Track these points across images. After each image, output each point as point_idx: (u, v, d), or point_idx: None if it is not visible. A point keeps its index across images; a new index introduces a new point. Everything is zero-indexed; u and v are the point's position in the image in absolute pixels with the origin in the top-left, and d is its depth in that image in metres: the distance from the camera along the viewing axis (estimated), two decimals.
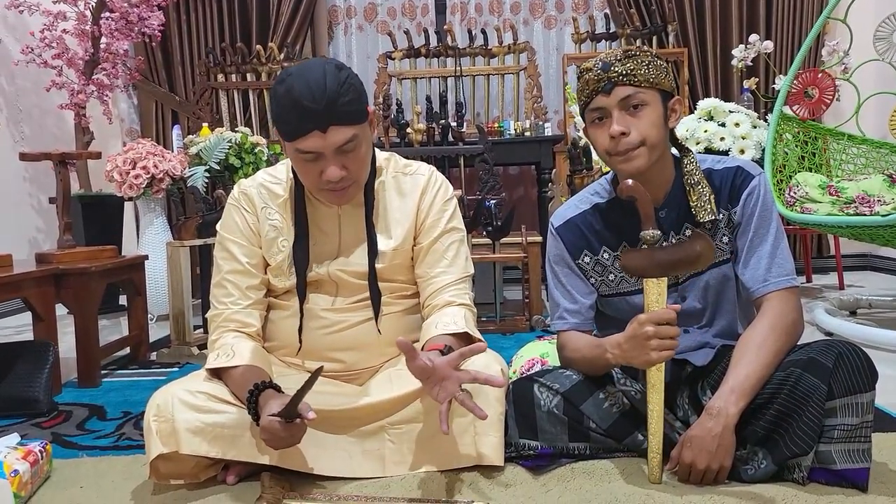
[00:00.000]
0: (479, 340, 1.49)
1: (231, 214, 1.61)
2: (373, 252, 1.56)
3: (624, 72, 1.40)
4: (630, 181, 1.36)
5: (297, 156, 1.43)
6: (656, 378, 1.37)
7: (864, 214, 2.56)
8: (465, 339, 1.50)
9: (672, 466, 1.40)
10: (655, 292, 1.36)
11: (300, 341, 1.58)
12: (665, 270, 1.34)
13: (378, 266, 1.57)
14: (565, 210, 1.63)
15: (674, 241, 1.50)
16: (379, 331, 1.58)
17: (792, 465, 1.33)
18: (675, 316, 1.32)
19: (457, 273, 1.59)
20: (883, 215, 2.46)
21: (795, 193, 2.85)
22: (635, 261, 1.36)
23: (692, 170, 1.48)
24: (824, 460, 1.31)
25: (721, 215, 1.49)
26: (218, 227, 1.64)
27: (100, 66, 4.11)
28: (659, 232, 1.36)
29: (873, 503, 1.27)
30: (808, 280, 4.20)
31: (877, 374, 1.32)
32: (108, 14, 3.98)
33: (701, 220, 1.45)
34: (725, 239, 1.51)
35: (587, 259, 1.58)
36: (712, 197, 1.47)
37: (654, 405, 1.37)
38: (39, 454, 1.51)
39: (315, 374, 1.27)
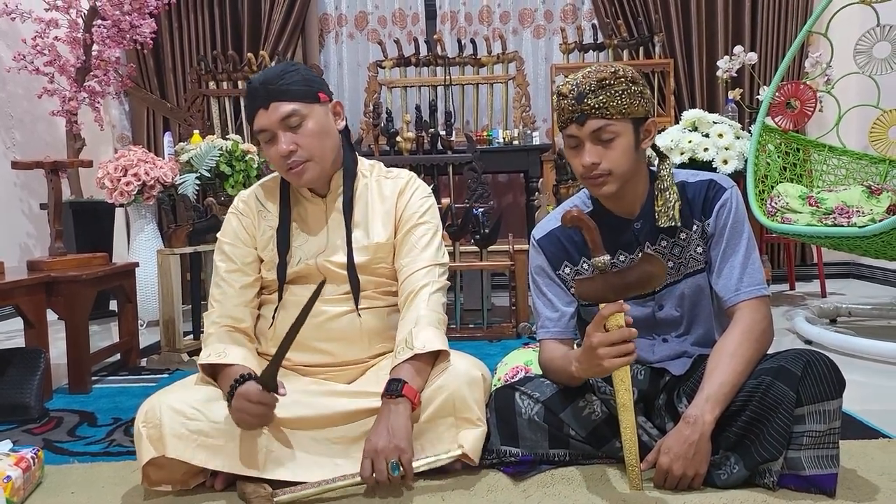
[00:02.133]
0: (442, 350, 1.55)
1: (230, 221, 1.73)
2: (349, 240, 1.64)
3: (596, 105, 1.43)
4: (574, 210, 1.40)
5: (260, 141, 1.59)
6: (625, 398, 1.41)
7: (842, 225, 2.62)
8: (424, 355, 1.53)
9: (646, 468, 1.45)
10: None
11: (273, 318, 1.66)
12: (619, 293, 1.36)
13: (361, 259, 1.65)
14: (546, 223, 1.68)
15: (650, 250, 1.55)
16: (359, 314, 1.64)
17: (763, 471, 1.38)
18: (629, 332, 1.34)
19: (427, 260, 1.66)
20: (860, 226, 2.51)
21: (776, 204, 2.90)
22: (589, 287, 1.39)
23: (665, 175, 1.54)
24: (793, 466, 1.36)
25: (695, 227, 1.55)
26: (218, 235, 1.74)
27: (91, 74, 4.13)
28: (608, 257, 1.39)
29: None
30: (792, 287, 4.26)
31: (844, 382, 1.37)
32: (99, 22, 4.00)
33: (661, 225, 1.51)
34: (699, 250, 1.56)
35: (567, 270, 1.62)
36: (677, 205, 1.52)
37: (627, 423, 1.41)
38: (32, 460, 1.54)
39: (318, 289, 1.39)
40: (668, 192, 1.53)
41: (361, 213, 1.68)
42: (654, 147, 1.58)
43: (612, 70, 1.45)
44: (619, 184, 1.50)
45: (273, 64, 4.43)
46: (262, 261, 1.69)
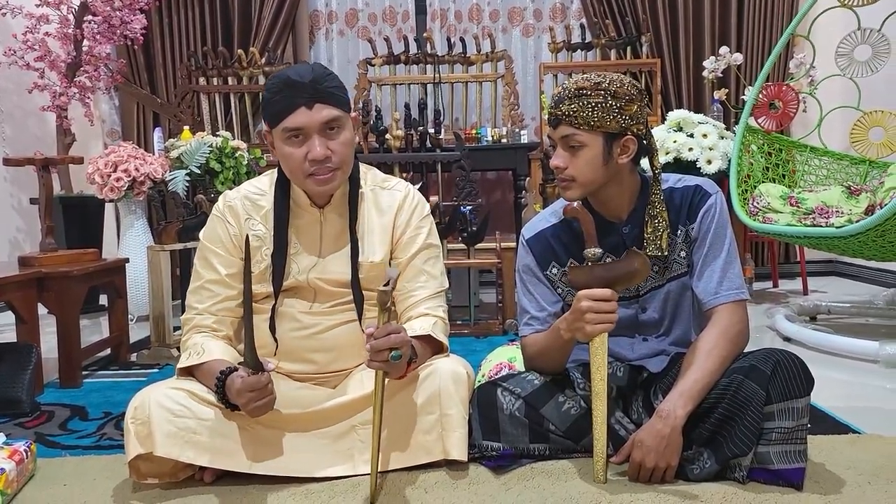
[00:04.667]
0: (443, 343, 1.61)
1: (214, 226, 1.68)
2: (355, 255, 1.63)
3: (568, 112, 1.49)
4: (575, 204, 1.48)
5: (284, 138, 1.52)
6: (599, 387, 1.46)
7: (820, 226, 2.67)
8: (429, 340, 1.60)
9: (620, 460, 1.50)
10: None
11: (275, 340, 1.64)
12: (605, 286, 1.45)
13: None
14: (536, 223, 1.71)
15: None
16: (363, 330, 1.63)
17: (733, 465, 1.43)
18: (610, 293, 1.43)
19: (433, 288, 1.68)
20: (837, 227, 2.57)
21: (758, 203, 2.96)
22: (579, 276, 1.48)
23: (655, 201, 1.56)
24: (763, 460, 1.42)
25: (679, 231, 1.59)
26: (201, 235, 1.70)
27: (82, 69, 4.15)
28: (600, 250, 1.47)
29: (807, 501, 1.37)
30: (775, 285, 4.33)
31: (812, 381, 1.42)
32: (90, 17, 4.02)
33: (648, 253, 1.53)
34: (683, 254, 1.60)
35: (555, 270, 1.66)
36: (666, 234, 1.55)
37: (598, 412, 1.47)
38: (25, 453, 1.58)
39: (247, 247, 1.40)
40: (657, 220, 1.55)
41: (359, 227, 1.66)
42: (651, 164, 1.58)
43: (596, 81, 1.48)
44: (584, 191, 1.54)
45: (263, 61, 4.48)
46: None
